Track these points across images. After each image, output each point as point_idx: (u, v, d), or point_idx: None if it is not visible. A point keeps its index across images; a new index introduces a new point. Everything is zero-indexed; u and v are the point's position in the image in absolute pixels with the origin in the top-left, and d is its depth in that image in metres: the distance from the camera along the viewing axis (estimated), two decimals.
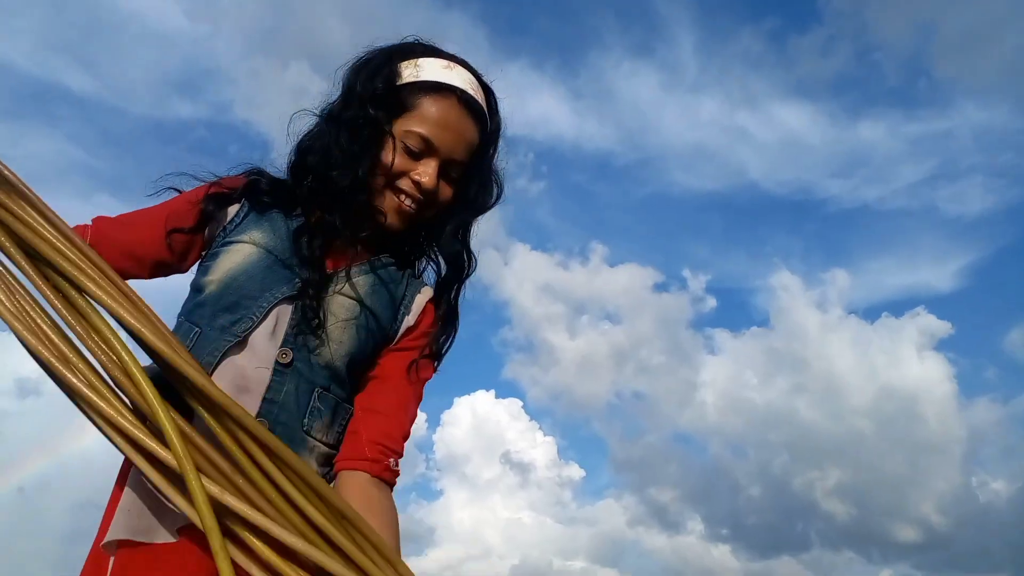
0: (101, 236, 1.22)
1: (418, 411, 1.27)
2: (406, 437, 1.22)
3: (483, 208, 1.35)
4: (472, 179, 1.31)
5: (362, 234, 1.25)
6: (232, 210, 1.27)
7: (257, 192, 1.28)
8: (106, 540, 1.05)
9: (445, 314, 1.32)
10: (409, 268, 1.34)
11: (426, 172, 1.23)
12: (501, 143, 1.35)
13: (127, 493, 1.07)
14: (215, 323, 1.18)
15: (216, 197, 1.27)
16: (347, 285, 1.23)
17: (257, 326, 1.17)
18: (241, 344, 1.16)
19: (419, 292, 1.31)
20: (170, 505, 1.01)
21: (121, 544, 1.05)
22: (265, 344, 1.17)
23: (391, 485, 1.17)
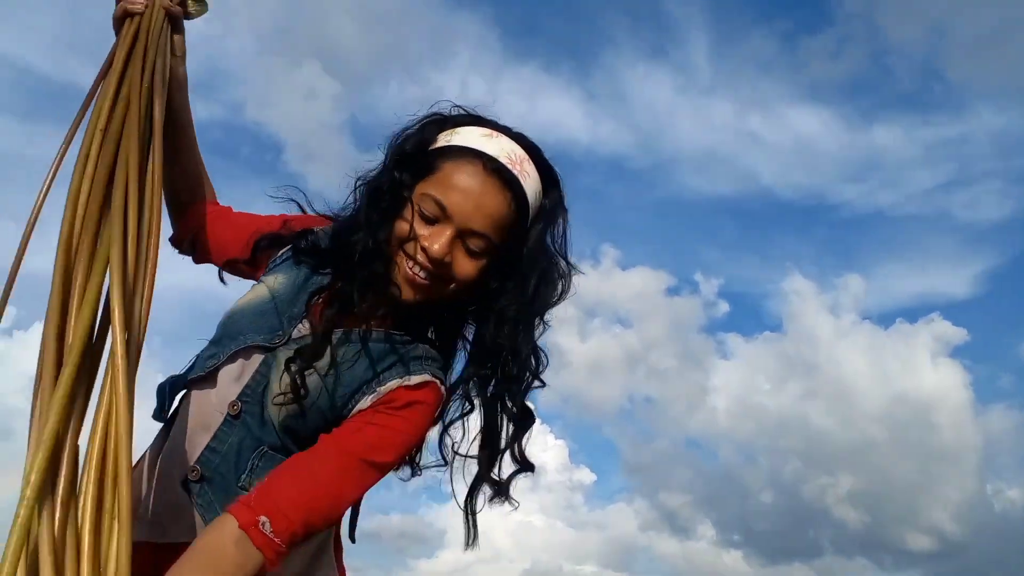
0: (220, 214, 1.42)
1: (355, 493, 1.11)
2: (307, 511, 1.01)
3: (543, 305, 1.21)
4: (521, 266, 1.18)
5: (375, 306, 1.16)
6: (280, 252, 1.29)
7: (300, 244, 1.26)
8: None
9: (489, 414, 1.19)
10: (426, 350, 1.20)
11: (437, 239, 1.12)
12: (563, 227, 1.23)
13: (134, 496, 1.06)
14: (204, 352, 1.20)
15: (271, 238, 1.31)
16: (328, 350, 1.12)
17: (222, 365, 1.16)
18: (210, 380, 1.16)
19: (407, 376, 1.15)
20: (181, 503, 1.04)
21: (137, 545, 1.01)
22: (228, 387, 1.15)
23: (258, 548, 0.97)
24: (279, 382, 1.12)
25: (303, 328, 1.17)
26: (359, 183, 1.24)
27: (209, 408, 1.15)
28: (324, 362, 1.13)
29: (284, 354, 1.13)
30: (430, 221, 1.14)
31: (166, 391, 1.24)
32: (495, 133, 1.18)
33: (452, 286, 1.17)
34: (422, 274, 1.14)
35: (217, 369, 1.16)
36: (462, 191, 1.13)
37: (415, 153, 1.18)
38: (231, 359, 1.16)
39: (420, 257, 1.14)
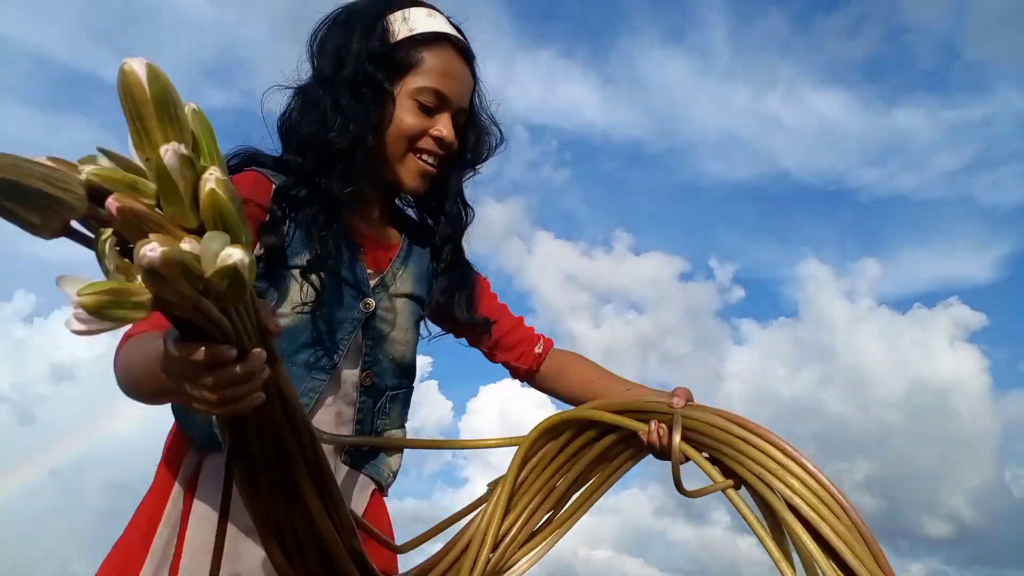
0: None
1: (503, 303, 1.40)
2: (523, 324, 1.39)
3: (488, 153, 1.32)
4: (471, 127, 1.28)
5: (358, 189, 1.16)
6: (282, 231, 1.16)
7: (290, 203, 1.14)
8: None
9: (452, 269, 1.30)
10: (426, 233, 1.32)
11: (445, 126, 1.20)
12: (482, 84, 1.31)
13: (201, 529, 1.04)
14: (297, 359, 1.12)
15: (270, 227, 1.12)
16: (397, 285, 1.24)
17: (343, 357, 1.16)
18: (334, 379, 1.16)
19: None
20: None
21: None
22: (348, 371, 1.18)
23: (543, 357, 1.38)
24: (388, 333, 1.22)
25: (372, 279, 1.21)
26: (316, 81, 1.20)
27: (338, 404, 1.18)
28: (404, 290, 1.25)
29: (382, 308, 1.21)
30: (429, 112, 1.20)
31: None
32: (432, 11, 1.24)
33: (449, 163, 1.26)
34: (433, 163, 1.22)
35: (339, 364, 1.16)
36: (452, 76, 1.20)
37: (385, 50, 1.18)
38: (348, 347, 1.17)
39: (431, 147, 1.21)
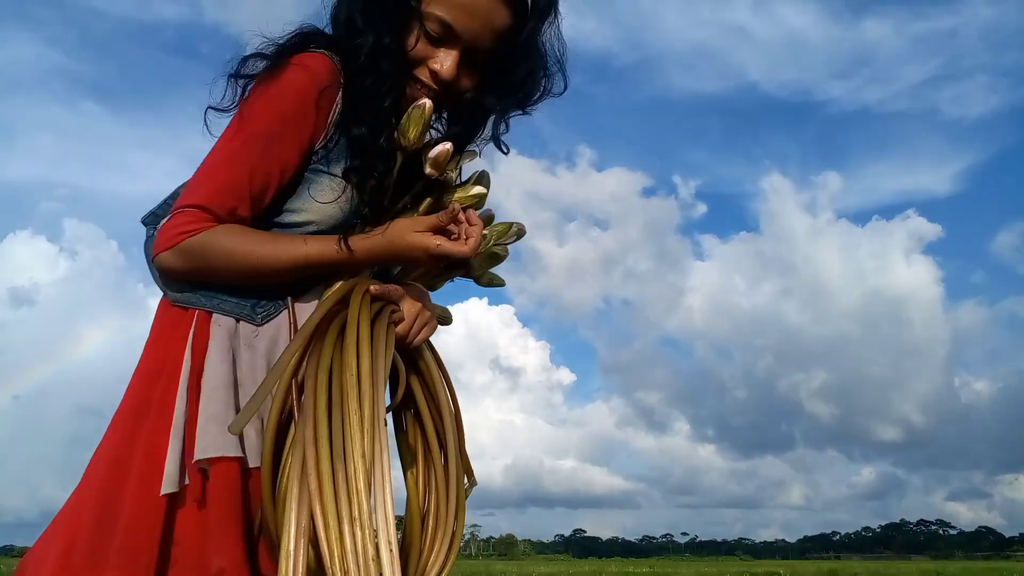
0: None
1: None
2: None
3: (526, 100, 1.23)
4: (515, 64, 1.18)
5: (383, 102, 1.12)
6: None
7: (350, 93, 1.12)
8: (200, 456, 1.01)
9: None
10: None
11: (445, 61, 1.13)
12: (554, 25, 1.19)
13: (213, 400, 1.04)
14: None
15: (332, 103, 1.11)
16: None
17: None
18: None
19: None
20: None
21: (214, 461, 1.01)
22: None
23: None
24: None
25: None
26: None
27: None
28: None
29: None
30: (435, 41, 1.13)
31: None
32: None
33: (454, 99, 1.19)
34: (429, 97, 1.13)
35: None
36: (469, 10, 1.10)
37: None
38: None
39: (427, 79, 1.14)
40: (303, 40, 1.14)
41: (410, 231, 1.09)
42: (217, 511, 1.00)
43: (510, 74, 1.19)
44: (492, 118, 1.25)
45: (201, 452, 1.01)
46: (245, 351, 1.09)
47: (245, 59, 1.12)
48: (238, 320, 1.10)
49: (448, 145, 1.11)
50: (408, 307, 1.14)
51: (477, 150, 1.26)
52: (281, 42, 1.13)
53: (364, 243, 1.09)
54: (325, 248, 1.08)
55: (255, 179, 1.07)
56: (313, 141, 1.11)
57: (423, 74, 1.15)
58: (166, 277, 1.12)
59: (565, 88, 1.25)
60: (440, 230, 1.09)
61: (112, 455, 1.05)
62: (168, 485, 0.99)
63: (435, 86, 1.15)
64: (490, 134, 1.26)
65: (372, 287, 1.10)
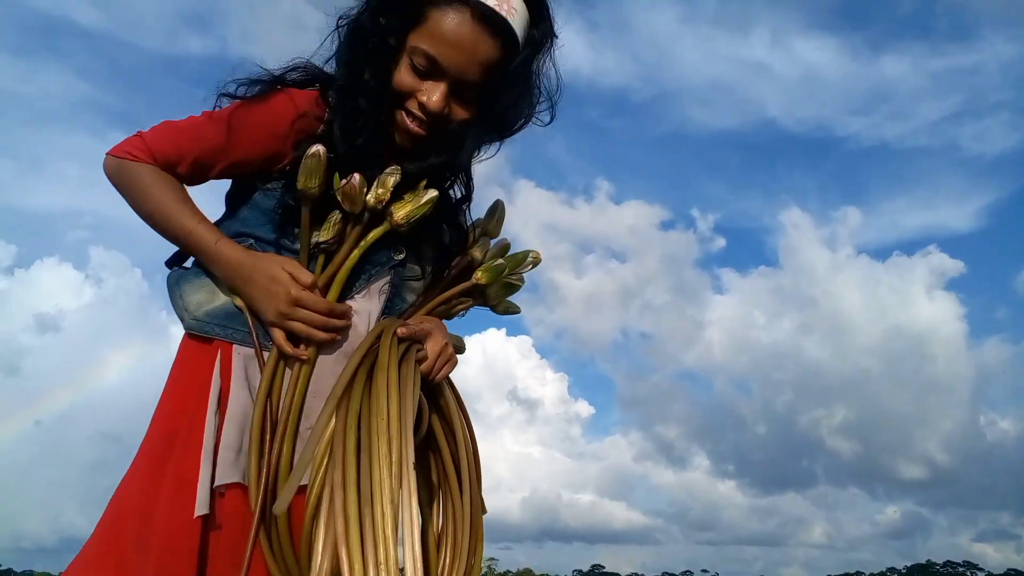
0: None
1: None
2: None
3: (507, 127, 1.25)
4: (501, 93, 1.19)
5: (358, 139, 1.17)
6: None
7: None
8: (219, 482, 1.07)
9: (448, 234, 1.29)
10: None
11: (432, 94, 1.14)
12: (547, 57, 1.22)
13: (231, 428, 1.09)
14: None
15: (304, 135, 1.17)
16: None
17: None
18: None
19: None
20: None
21: (230, 486, 1.08)
22: (367, 312, 1.23)
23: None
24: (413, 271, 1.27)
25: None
26: (342, 22, 1.20)
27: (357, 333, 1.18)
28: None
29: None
30: (422, 75, 1.15)
31: None
32: None
33: (446, 129, 1.20)
34: (419, 128, 1.17)
35: None
36: (453, 44, 1.12)
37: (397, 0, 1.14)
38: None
39: (417, 111, 1.16)
40: (295, 73, 1.23)
41: (279, 266, 1.13)
42: (233, 533, 1.07)
43: (494, 104, 1.20)
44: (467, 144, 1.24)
45: (219, 478, 1.07)
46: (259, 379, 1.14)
47: (239, 82, 1.19)
48: (255, 348, 1.15)
49: (357, 178, 1.12)
50: (431, 346, 1.17)
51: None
52: (276, 73, 1.21)
53: (235, 253, 1.15)
54: (205, 237, 1.15)
55: (204, 152, 1.18)
56: (274, 161, 1.18)
57: (413, 106, 1.17)
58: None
59: (552, 119, 1.27)
60: (310, 287, 1.12)
61: (145, 479, 1.10)
62: (201, 507, 1.05)
63: (424, 118, 1.17)
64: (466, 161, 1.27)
65: (399, 329, 1.12)
